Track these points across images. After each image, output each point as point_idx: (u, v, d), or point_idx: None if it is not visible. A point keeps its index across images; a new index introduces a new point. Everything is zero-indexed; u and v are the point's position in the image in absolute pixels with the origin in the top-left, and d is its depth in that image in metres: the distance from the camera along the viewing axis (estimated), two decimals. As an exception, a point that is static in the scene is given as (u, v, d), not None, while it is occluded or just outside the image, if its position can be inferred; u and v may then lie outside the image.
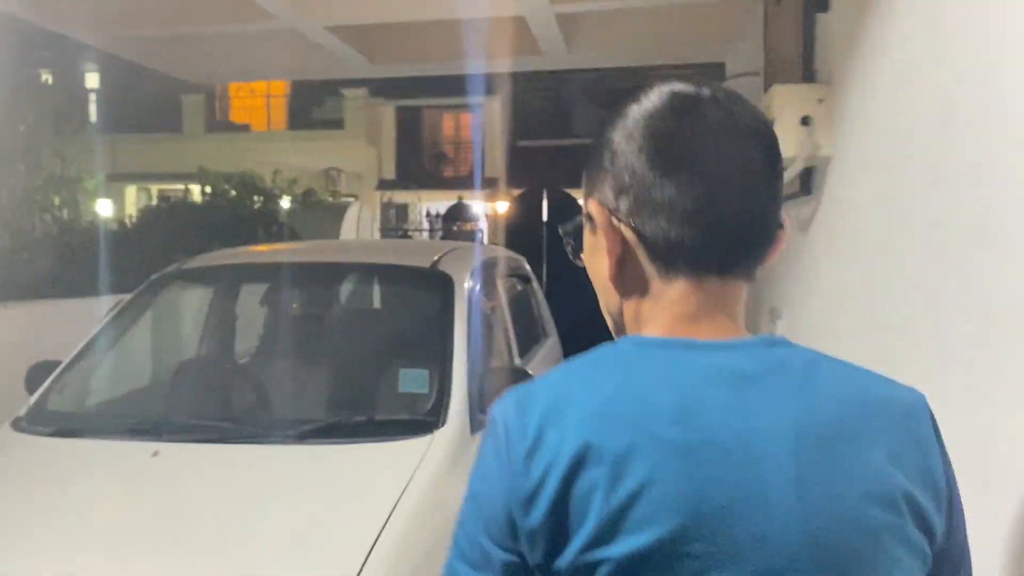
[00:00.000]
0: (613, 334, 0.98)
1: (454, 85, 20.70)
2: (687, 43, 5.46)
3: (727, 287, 0.88)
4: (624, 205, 0.88)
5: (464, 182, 19.95)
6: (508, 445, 0.82)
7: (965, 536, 0.88)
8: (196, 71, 6.13)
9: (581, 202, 0.99)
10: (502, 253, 4.28)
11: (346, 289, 3.73)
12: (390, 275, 3.51)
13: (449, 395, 2.70)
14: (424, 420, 2.64)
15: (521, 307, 4.27)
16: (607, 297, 0.95)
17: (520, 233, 8.79)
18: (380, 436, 2.58)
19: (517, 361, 3.58)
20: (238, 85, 22.27)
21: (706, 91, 0.88)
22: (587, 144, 0.96)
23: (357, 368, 3.07)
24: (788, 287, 2.75)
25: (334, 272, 3.50)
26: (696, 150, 0.85)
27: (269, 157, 14.24)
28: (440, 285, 3.13)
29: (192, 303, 3.71)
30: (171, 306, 3.55)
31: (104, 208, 15.09)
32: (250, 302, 3.61)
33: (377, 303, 3.85)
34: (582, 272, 0.99)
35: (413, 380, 2.81)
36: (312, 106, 21.92)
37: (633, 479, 0.77)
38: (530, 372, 3.03)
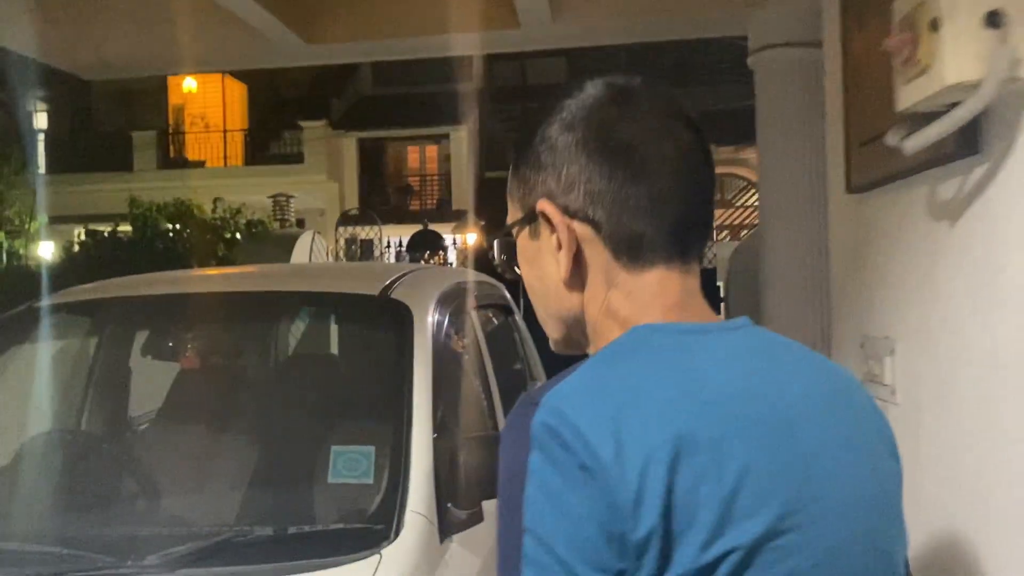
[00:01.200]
0: (559, 340, 0.95)
1: (418, 115, 20.39)
2: (699, 12, 4.44)
3: (691, 271, 0.89)
4: (574, 200, 0.87)
5: (431, 215, 19.44)
6: (589, 451, 0.73)
7: None
8: (89, 61, 5.00)
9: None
10: (474, 277, 3.33)
11: (265, 329, 2.74)
12: (326, 307, 2.55)
13: (406, 486, 1.77)
14: (367, 529, 1.72)
15: (502, 347, 3.33)
16: (558, 300, 0.92)
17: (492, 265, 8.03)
18: (298, 558, 1.65)
19: (501, 421, 2.64)
20: (192, 120, 21.48)
21: (635, 80, 0.90)
22: None
23: (271, 448, 2.10)
24: (912, 307, 1.81)
25: (250, 305, 2.51)
26: (638, 137, 0.85)
27: (225, 194, 13.55)
28: (393, 320, 2.20)
29: (57, 354, 2.69)
30: (23, 359, 2.55)
31: (46, 250, 14.14)
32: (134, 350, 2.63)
33: (308, 347, 2.86)
34: None
35: (351, 464, 1.85)
36: (270, 141, 21.41)
37: (736, 461, 0.74)
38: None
